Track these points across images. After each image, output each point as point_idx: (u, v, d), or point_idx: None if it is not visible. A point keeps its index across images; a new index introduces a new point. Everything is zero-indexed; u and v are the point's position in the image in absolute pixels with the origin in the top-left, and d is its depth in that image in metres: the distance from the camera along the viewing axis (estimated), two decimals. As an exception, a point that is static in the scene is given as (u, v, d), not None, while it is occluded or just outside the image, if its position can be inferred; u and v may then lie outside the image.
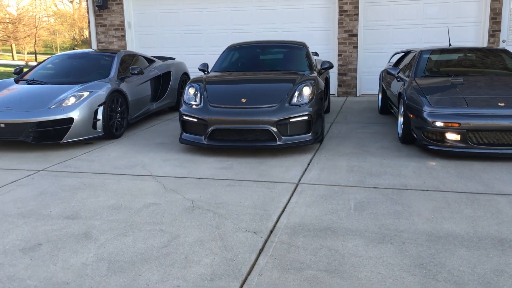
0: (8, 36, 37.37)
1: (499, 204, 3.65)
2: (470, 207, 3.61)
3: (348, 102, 9.55)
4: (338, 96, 10.30)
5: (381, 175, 4.45)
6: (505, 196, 3.82)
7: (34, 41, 40.66)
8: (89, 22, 11.27)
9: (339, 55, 10.09)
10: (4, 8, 39.14)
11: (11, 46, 39.40)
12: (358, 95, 10.25)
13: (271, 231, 3.25)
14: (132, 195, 4.07)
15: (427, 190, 4.01)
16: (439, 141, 4.91)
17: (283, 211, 3.61)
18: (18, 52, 41.70)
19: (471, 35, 9.53)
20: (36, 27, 40.36)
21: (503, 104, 4.78)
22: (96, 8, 11.02)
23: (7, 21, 37.90)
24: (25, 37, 39.18)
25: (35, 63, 30.47)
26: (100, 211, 3.70)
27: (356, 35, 9.92)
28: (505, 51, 6.36)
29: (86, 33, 47.99)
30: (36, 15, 42.46)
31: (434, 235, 3.12)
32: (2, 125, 5.55)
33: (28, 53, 42.73)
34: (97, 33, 11.16)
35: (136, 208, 3.74)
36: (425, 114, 4.90)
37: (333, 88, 10.23)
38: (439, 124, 4.79)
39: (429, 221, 3.35)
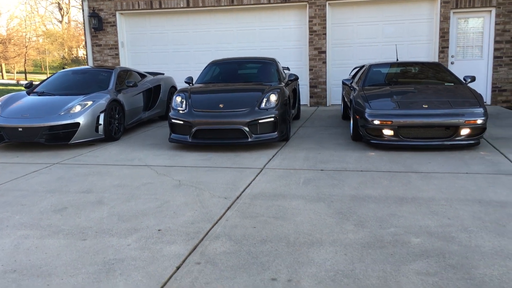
0: (-2, 56, 37.97)
1: (411, 178, 4.84)
2: (388, 180, 4.79)
3: (318, 111, 10.79)
4: (310, 106, 11.55)
5: (329, 162, 5.63)
6: (418, 173, 5.01)
7: (24, 60, 41.51)
8: (85, 42, 12.44)
9: (310, 69, 11.37)
10: (-6, 29, 40.02)
11: (0, 65, 40.20)
12: (328, 105, 11.51)
13: (238, 197, 4.39)
14: (132, 178, 5.19)
15: (361, 171, 5.19)
16: (378, 136, 6.11)
17: (248, 185, 4.75)
18: (7, 72, 42.53)
19: (424, 51, 10.89)
20: (26, 46, 41.15)
21: (426, 106, 6.02)
22: (93, 29, 12.22)
23: (-3, 41, 38.60)
24: (14, 57, 39.92)
25: (25, 82, 31.44)
26: (108, 188, 4.81)
27: (324, 52, 11.23)
28: (438, 64, 7.66)
29: (75, 52, 49.09)
30: (26, 34, 43.35)
31: (356, 197, 4.28)
32: (20, 129, 6.65)
33: (17, 72, 43.57)
34: (93, 52, 12.33)
35: (136, 186, 4.86)
36: (366, 115, 6.12)
37: (306, 99, 11.49)
38: (376, 122, 6.01)
39: (355, 189, 4.52)
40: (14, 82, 33.70)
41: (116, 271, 2.94)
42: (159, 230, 3.61)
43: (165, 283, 2.76)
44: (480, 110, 5.90)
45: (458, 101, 6.12)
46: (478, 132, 5.90)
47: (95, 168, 5.68)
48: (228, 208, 4.08)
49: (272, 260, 3.02)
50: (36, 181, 5.15)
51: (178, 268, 2.96)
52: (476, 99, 6.16)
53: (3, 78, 38.82)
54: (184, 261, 3.05)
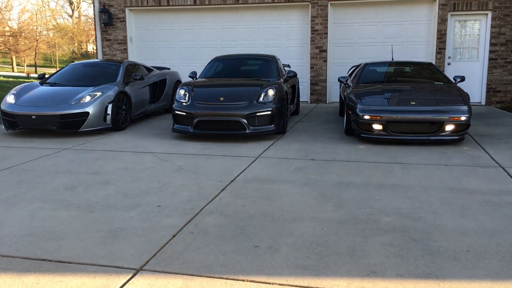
0: (9, 49, 38.53)
1: (394, 169, 5.23)
2: (372, 170, 5.19)
3: (317, 107, 11.18)
4: (310, 103, 11.94)
5: (320, 153, 6.03)
6: (400, 164, 5.40)
7: (34, 53, 42.09)
8: (96, 37, 12.90)
9: (311, 67, 11.76)
10: (6, 22, 40.61)
11: (11, 58, 40.80)
12: (327, 102, 11.89)
13: (232, 181, 4.80)
14: (136, 163, 5.62)
15: (348, 161, 5.59)
16: (368, 130, 6.50)
17: (242, 171, 5.16)
18: (18, 65, 43.16)
19: (422, 52, 11.23)
20: (36, 40, 41.69)
21: (414, 103, 6.40)
22: (103, 25, 12.68)
23: (8, 34, 39.14)
24: (25, 50, 40.46)
25: (35, 75, 32.05)
26: (114, 170, 5.25)
27: (325, 50, 11.60)
28: (430, 64, 8.02)
29: (85, 46, 49.69)
30: (36, 28, 43.92)
31: (340, 183, 4.68)
32: (34, 117, 7.11)
33: (27, 66, 44.20)
34: (102, 46, 12.79)
35: (140, 169, 5.29)
36: (357, 110, 6.51)
37: (306, 96, 11.87)
38: (366, 117, 6.40)
39: (340, 177, 4.92)
40: (24, 75, 34.29)
41: (120, 237, 3.36)
42: (159, 206, 4.04)
43: (162, 247, 3.18)
44: (465, 107, 6.27)
45: (444, 99, 6.48)
46: (462, 128, 6.27)
47: (103, 154, 6.12)
48: (222, 190, 4.49)
49: (257, 232, 3.43)
50: (48, 163, 5.60)
51: (174, 236, 3.38)
52: (461, 97, 6.53)
53: (13, 71, 39.43)
54: (179, 231, 3.47)
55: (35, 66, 42.40)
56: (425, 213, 3.79)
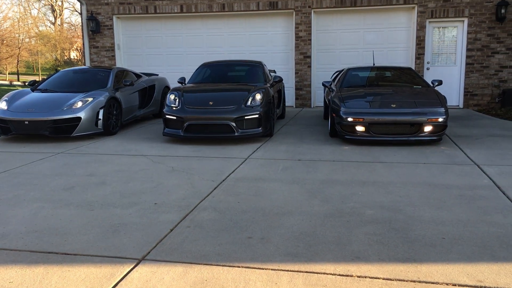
0: (-10, 57, 37.99)
1: (376, 167, 5.53)
2: (356, 168, 5.48)
3: (302, 111, 11.50)
4: (295, 107, 12.25)
5: (306, 154, 6.31)
6: (382, 163, 5.71)
7: (16, 61, 41.69)
8: (83, 44, 13.05)
9: (296, 73, 12.08)
10: (-14, 30, 40.13)
11: (-7, 66, 40.33)
12: (312, 106, 12.22)
13: (223, 180, 5.04)
14: (130, 164, 5.83)
15: (333, 161, 5.88)
16: (352, 132, 6.80)
17: (233, 171, 5.41)
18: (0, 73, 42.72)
19: (402, 57, 11.65)
20: (19, 48, 41.31)
21: (394, 106, 6.73)
22: (90, 32, 12.84)
23: (-11, 42, 38.63)
24: (7, 58, 40.05)
25: (18, 83, 31.84)
26: (109, 172, 5.44)
27: (309, 56, 11.95)
28: (409, 69, 8.40)
29: (67, 53, 49.35)
30: (19, 36, 43.52)
31: (326, 181, 4.96)
32: (26, 122, 7.26)
33: (9, 73, 43.75)
34: (90, 54, 12.94)
35: (134, 171, 5.50)
36: (341, 113, 6.81)
37: (291, 101, 12.19)
38: (350, 119, 6.70)
39: (326, 175, 5.20)
40: (7, 82, 34.01)
41: (120, 231, 3.58)
42: (155, 203, 4.26)
43: (161, 240, 3.41)
44: (442, 109, 6.62)
45: (423, 101, 6.84)
46: (439, 129, 6.61)
47: (96, 157, 6.31)
48: (215, 188, 4.73)
49: (250, 225, 3.68)
50: (44, 167, 5.77)
51: (171, 230, 3.60)
52: (439, 100, 6.88)
53: (-5, 79, 38.98)
54: (176, 225, 3.70)
55: (18, 74, 42.00)
56: (405, 206, 4.08)
